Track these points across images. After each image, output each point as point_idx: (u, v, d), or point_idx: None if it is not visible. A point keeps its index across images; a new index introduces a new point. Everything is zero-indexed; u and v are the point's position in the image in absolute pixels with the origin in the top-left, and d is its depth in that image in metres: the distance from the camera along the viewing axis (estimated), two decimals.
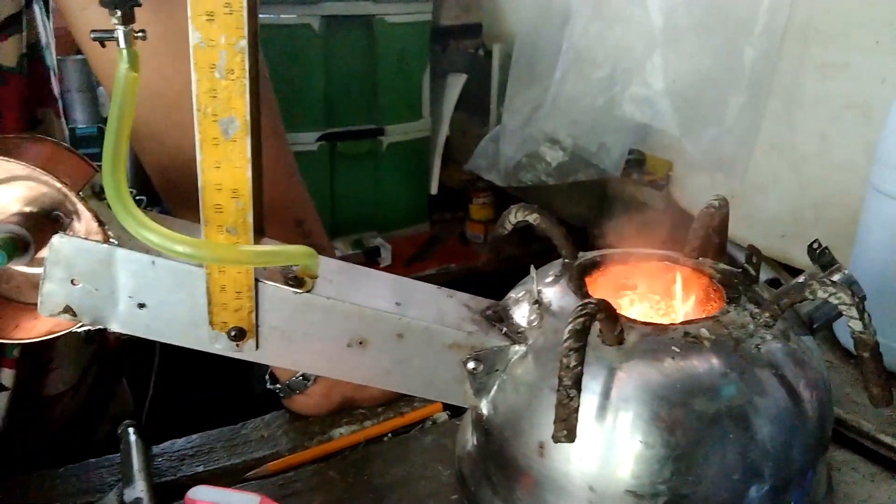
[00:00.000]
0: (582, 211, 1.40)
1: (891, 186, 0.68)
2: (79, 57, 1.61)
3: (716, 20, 0.88)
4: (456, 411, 0.66)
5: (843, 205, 0.86)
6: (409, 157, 1.77)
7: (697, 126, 0.92)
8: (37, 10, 0.61)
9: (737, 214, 0.96)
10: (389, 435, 0.64)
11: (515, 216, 0.57)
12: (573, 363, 0.41)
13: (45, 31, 0.62)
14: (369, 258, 1.68)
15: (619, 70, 0.98)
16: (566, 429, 0.41)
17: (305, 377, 0.64)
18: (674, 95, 0.90)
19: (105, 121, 1.39)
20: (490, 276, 1.80)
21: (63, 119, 0.66)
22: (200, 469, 0.60)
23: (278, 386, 0.66)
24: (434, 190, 1.85)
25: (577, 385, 0.41)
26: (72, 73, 1.64)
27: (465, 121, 1.83)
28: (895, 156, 0.68)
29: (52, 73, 0.64)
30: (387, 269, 1.68)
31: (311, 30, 1.51)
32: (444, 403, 0.67)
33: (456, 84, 1.80)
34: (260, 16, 1.41)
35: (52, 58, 0.64)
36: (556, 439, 0.42)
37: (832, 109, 0.85)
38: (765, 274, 0.91)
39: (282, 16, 1.49)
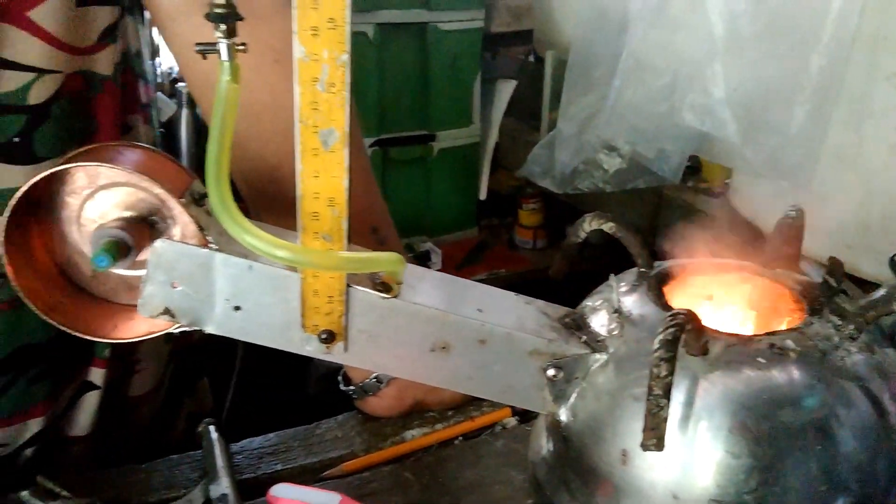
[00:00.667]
0: (635, 218, 1.39)
1: None
2: None
3: (781, 28, 0.88)
4: (525, 416, 0.67)
5: None
6: (458, 162, 1.78)
7: (760, 135, 0.91)
8: (129, 19, 0.63)
9: None
10: (460, 438, 0.65)
11: (590, 224, 0.58)
12: (664, 373, 0.41)
13: (138, 40, 0.65)
14: (420, 262, 1.70)
15: (680, 77, 0.98)
16: (656, 437, 0.42)
17: (379, 379, 0.66)
18: (735, 104, 0.90)
19: (164, 126, 1.43)
20: (538, 283, 1.80)
21: (151, 124, 0.69)
22: (279, 467, 0.62)
23: (352, 388, 0.67)
24: (483, 195, 1.86)
25: (668, 395, 0.42)
26: None
27: (514, 127, 1.83)
28: None
29: (141, 81, 0.66)
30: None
31: (365, 38, 1.53)
32: (512, 409, 0.67)
33: (506, 90, 1.81)
34: None
35: (142, 66, 0.67)
36: (644, 448, 0.42)
37: None
38: None
39: None
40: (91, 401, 0.66)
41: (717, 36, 0.95)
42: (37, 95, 0.54)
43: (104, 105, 0.59)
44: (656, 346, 0.42)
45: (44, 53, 0.54)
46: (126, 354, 0.68)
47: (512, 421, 0.67)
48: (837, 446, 0.45)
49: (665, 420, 0.42)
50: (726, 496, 0.45)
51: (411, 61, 1.63)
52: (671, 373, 0.42)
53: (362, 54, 1.55)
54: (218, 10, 0.41)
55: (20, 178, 0.54)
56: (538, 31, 1.71)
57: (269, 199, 0.62)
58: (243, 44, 0.43)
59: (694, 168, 1.31)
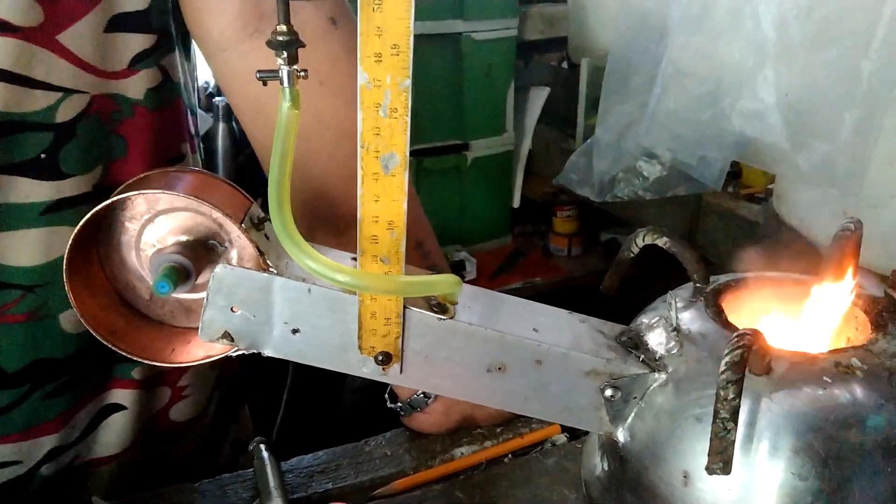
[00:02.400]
0: (675, 225, 1.38)
1: None
2: None
3: (831, 34, 0.86)
4: (574, 433, 0.66)
5: None
6: (492, 171, 1.78)
7: (810, 140, 0.89)
8: (178, 52, 0.64)
9: None
10: (510, 456, 0.65)
11: (643, 239, 0.57)
12: (731, 395, 0.41)
13: (184, 72, 0.66)
14: (454, 272, 1.69)
15: (725, 84, 0.96)
16: (723, 461, 0.41)
17: (426, 395, 0.65)
18: (785, 109, 0.88)
19: (202, 139, 1.44)
20: (574, 290, 1.79)
21: (198, 154, 0.70)
22: (329, 486, 0.62)
23: (399, 404, 0.67)
24: (517, 203, 1.86)
25: (735, 417, 0.41)
26: None
27: (547, 134, 1.82)
28: None
29: (189, 112, 0.67)
30: (471, 282, 1.68)
31: None
32: (562, 426, 0.67)
33: (539, 97, 1.81)
34: None
35: (191, 98, 0.68)
36: (710, 471, 0.42)
37: None
38: (880, 293, 0.87)
39: None
40: (119, 421, 0.66)
41: (767, 41, 0.94)
42: (64, 114, 0.56)
43: (134, 128, 0.60)
44: (723, 367, 0.41)
45: (71, 74, 0.55)
46: (172, 380, 0.69)
47: (562, 438, 0.66)
48: None
49: (732, 443, 0.41)
50: None
51: (445, 71, 1.64)
52: (738, 395, 0.41)
53: None
54: (280, 38, 0.41)
55: (46, 193, 0.56)
56: (572, 39, 1.71)
57: (313, 218, 0.62)
58: (304, 70, 0.43)
59: (734, 173, 1.30)
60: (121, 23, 0.57)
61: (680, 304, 0.54)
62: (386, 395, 0.69)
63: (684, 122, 1.05)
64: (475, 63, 1.64)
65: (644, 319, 0.55)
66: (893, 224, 0.88)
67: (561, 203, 1.76)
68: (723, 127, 0.99)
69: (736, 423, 0.41)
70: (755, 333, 0.43)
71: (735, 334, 0.42)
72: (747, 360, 0.42)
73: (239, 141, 1.85)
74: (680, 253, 0.56)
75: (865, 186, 0.89)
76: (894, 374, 0.46)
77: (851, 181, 0.88)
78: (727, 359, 0.41)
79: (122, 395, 0.65)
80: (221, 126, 1.73)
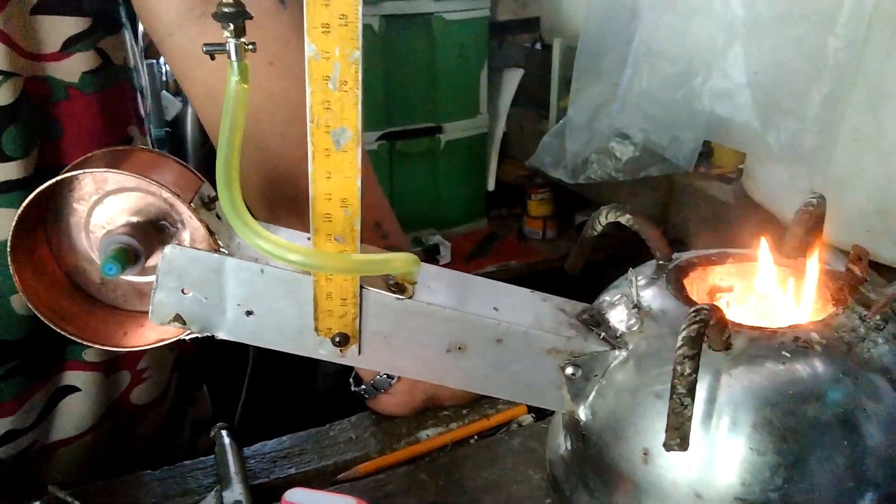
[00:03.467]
0: (647, 206, 1.37)
1: None
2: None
3: (798, 10, 0.86)
4: (540, 413, 0.66)
5: None
6: (466, 153, 1.77)
7: (779, 118, 0.89)
8: (127, 35, 0.63)
9: None
10: (476, 437, 0.64)
11: (606, 217, 0.57)
12: (688, 371, 0.40)
13: (133, 54, 0.65)
14: (429, 256, 1.69)
15: (696, 63, 0.96)
16: (679, 437, 0.41)
17: (389, 376, 0.65)
18: (755, 88, 0.88)
19: (170, 124, 1.43)
20: (549, 273, 1.79)
21: (148, 136, 0.68)
22: (293, 471, 0.61)
23: (363, 387, 0.66)
24: (491, 186, 1.85)
25: (692, 393, 0.41)
26: None
27: (521, 116, 1.81)
28: None
29: (139, 94, 0.66)
30: (446, 266, 1.68)
31: (371, 30, 1.52)
32: (528, 405, 0.66)
33: (513, 79, 1.79)
34: None
35: (139, 80, 0.66)
36: (668, 447, 0.41)
37: None
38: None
39: None
40: (75, 404, 0.65)
41: (737, 20, 0.94)
42: (4, 97, 0.55)
43: (70, 111, 0.59)
44: (679, 342, 0.41)
45: (6, 57, 0.55)
46: (131, 363, 0.68)
47: (528, 418, 0.66)
48: (865, 440, 0.44)
49: (689, 419, 0.41)
50: (751, 494, 0.44)
51: (417, 53, 1.62)
52: (695, 370, 0.41)
53: (367, 47, 1.53)
54: (226, 10, 0.40)
55: None
56: (545, 19, 1.69)
57: (275, 198, 0.61)
58: (252, 43, 0.42)
59: (706, 154, 1.30)
60: (48, 5, 0.57)
61: (642, 282, 0.54)
62: (350, 379, 0.68)
63: (656, 103, 1.05)
64: (447, 44, 1.62)
65: (606, 297, 0.55)
66: (861, 200, 0.88)
67: (535, 186, 1.75)
68: (694, 107, 0.99)
69: (693, 399, 0.41)
70: (713, 308, 0.43)
71: (692, 309, 0.42)
72: (704, 335, 0.41)
73: None
74: (642, 230, 0.56)
75: (832, 164, 0.89)
76: (853, 347, 0.46)
77: (819, 158, 0.88)
78: (684, 334, 0.41)
79: (76, 377, 0.64)
80: (190, 111, 1.70)
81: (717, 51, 0.90)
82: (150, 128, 0.69)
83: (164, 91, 1.72)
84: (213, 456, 0.61)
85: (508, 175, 1.87)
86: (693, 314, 0.42)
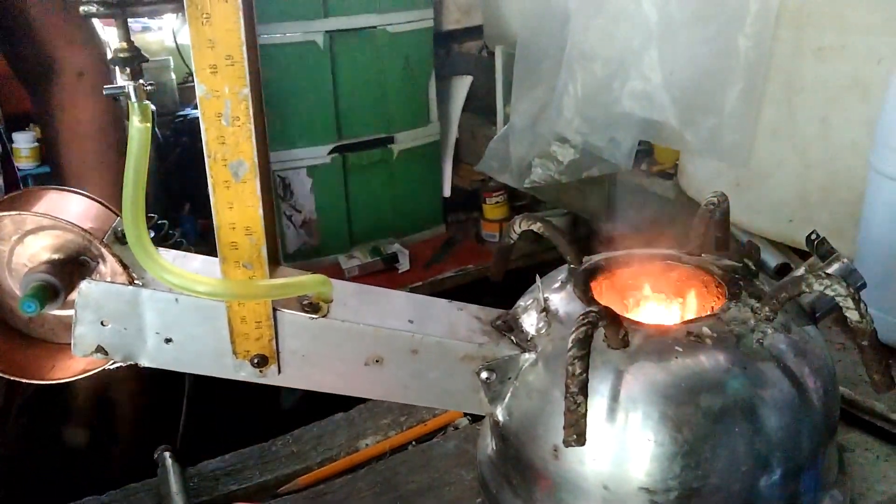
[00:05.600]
0: (593, 205, 1.41)
1: (890, 167, 0.69)
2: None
3: (708, 11, 0.89)
4: (476, 416, 0.68)
5: (848, 186, 0.87)
6: (420, 162, 1.79)
7: (697, 116, 0.93)
8: None
9: (743, 201, 0.97)
10: (413, 443, 0.67)
11: (520, 226, 0.59)
12: (578, 370, 0.43)
13: None
14: (388, 264, 1.71)
15: (620, 66, 0.99)
16: (576, 433, 0.43)
17: None
18: (672, 88, 0.92)
19: None
20: (508, 275, 1.82)
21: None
22: (235, 487, 0.63)
23: None
24: (447, 192, 1.88)
25: (584, 391, 0.43)
26: None
27: (473, 122, 1.84)
28: (893, 137, 0.69)
29: None
30: (405, 274, 1.70)
31: (316, 46, 1.54)
32: None
33: (461, 86, 1.82)
34: (264, 36, 1.45)
35: None
36: (566, 444, 0.44)
37: (831, 92, 0.86)
38: (775, 259, 0.92)
39: (287, 34, 1.52)
40: None
41: (651, 22, 0.97)
42: None
43: None
44: (570, 344, 0.43)
45: None
46: None
47: (464, 421, 0.68)
48: (758, 426, 0.47)
49: (584, 416, 0.43)
50: (654, 484, 0.47)
51: (364, 66, 1.64)
52: (585, 370, 0.43)
53: (314, 62, 1.56)
54: (122, 55, 0.42)
55: None
56: (487, 27, 1.73)
57: None
58: (151, 83, 0.44)
59: (646, 152, 1.33)
60: None
61: (556, 286, 0.57)
62: None
63: (591, 105, 1.08)
64: (394, 56, 1.65)
65: (521, 302, 0.57)
66: (781, 192, 0.92)
67: (490, 189, 1.78)
68: (619, 108, 1.02)
69: (586, 397, 0.43)
70: (604, 309, 0.46)
71: (581, 312, 0.45)
72: (592, 336, 0.44)
73: (163, 147, 1.83)
74: (553, 236, 0.58)
75: (754, 157, 0.93)
76: (742, 339, 0.49)
77: (738, 153, 0.92)
78: (573, 336, 0.43)
79: None
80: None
81: (634, 53, 0.93)
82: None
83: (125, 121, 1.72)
84: (156, 477, 0.63)
85: (464, 180, 1.90)
86: (582, 317, 0.44)
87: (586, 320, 0.44)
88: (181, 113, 1.88)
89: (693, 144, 0.93)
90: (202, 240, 1.60)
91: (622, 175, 1.33)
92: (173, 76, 1.90)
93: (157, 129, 1.82)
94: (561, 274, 0.58)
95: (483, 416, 0.65)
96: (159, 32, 2.05)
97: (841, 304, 0.47)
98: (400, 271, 1.70)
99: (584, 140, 1.19)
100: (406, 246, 1.76)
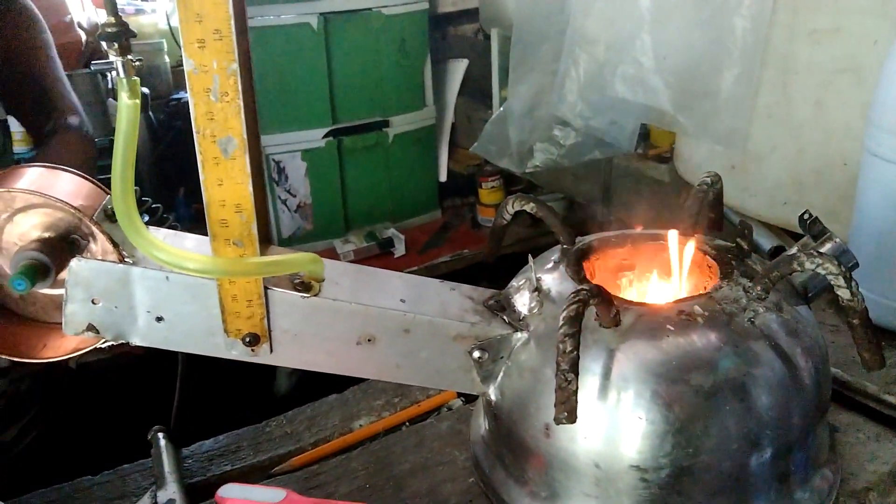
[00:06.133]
0: (590, 188, 1.41)
1: (885, 149, 0.69)
2: (86, 71, 1.64)
3: None
4: (469, 397, 0.68)
5: (843, 169, 0.86)
6: (416, 146, 1.79)
7: (692, 100, 0.92)
8: None
9: (738, 184, 0.97)
10: (407, 423, 0.67)
11: (513, 206, 0.59)
12: (569, 348, 0.43)
13: None
14: (383, 249, 1.71)
15: (620, 49, 0.99)
16: (566, 411, 0.43)
17: None
18: (665, 72, 0.91)
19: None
20: (503, 259, 1.82)
21: None
22: (229, 468, 0.63)
23: None
24: (443, 177, 1.87)
25: (575, 369, 0.43)
26: (81, 87, 1.67)
27: (468, 106, 1.84)
28: (887, 119, 0.68)
29: None
30: (401, 258, 1.70)
31: (310, 28, 1.53)
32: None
33: (457, 70, 1.81)
34: (258, 18, 1.45)
35: None
36: (557, 421, 0.44)
37: (826, 75, 0.86)
38: (769, 242, 0.92)
39: (281, 16, 1.51)
40: None
41: (643, 6, 0.97)
42: None
43: None
44: (560, 322, 0.43)
45: None
46: None
47: (458, 402, 0.68)
48: (749, 404, 0.47)
49: (574, 393, 0.43)
50: (645, 462, 0.47)
51: (359, 48, 1.63)
52: (576, 348, 0.43)
53: (308, 45, 1.55)
54: (110, 30, 0.42)
55: None
56: (483, 9, 1.71)
57: None
58: (139, 59, 0.43)
59: (643, 135, 1.33)
60: None
61: (548, 266, 0.57)
62: None
63: (593, 88, 1.08)
64: (389, 38, 1.64)
65: (514, 283, 0.57)
66: (776, 175, 0.92)
67: (486, 174, 1.78)
68: (611, 92, 1.01)
69: (577, 374, 0.43)
70: (595, 288, 0.46)
71: (572, 291, 0.45)
72: (583, 314, 0.44)
73: (157, 131, 1.82)
74: (546, 216, 0.58)
75: (749, 140, 0.93)
76: (733, 317, 0.49)
77: (735, 137, 0.92)
78: (564, 314, 0.43)
79: None
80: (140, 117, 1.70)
81: (626, 37, 0.93)
82: None
83: (109, 99, 1.72)
84: (150, 458, 0.63)
85: (460, 165, 1.90)
86: (573, 295, 0.44)
87: (577, 298, 0.44)
88: (175, 96, 1.88)
89: (689, 128, 0.93)
90: (197, 224, 1.59)
91: (619, 159, 1.33)
92: (167, 59, 1.89)
93: (150, 112, 1.81)
94: (553, 254, 0.58)
95: (476, 398, 0.66)
96: (153, 15, 2.04)
97: (833, 282, 0.47)
98: (395, 256, 1.70)
99: (587, 123, 1.19)
100: (402, 230, 1.76)
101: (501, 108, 1.37)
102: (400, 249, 1.70)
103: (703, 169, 1.04)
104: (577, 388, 0.43)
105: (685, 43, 0.88)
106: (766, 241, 0.92)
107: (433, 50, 1.76)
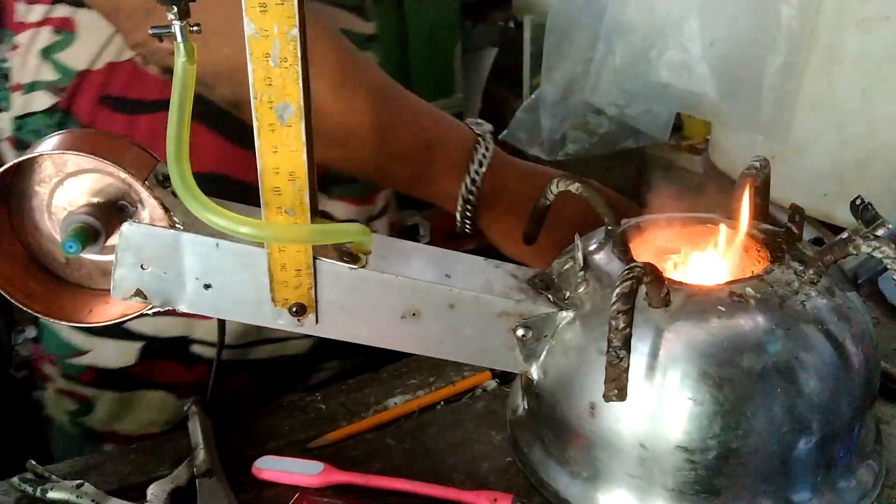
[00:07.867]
0: (620, 179, 1.39)
1: None
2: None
3: None
4: (504, 379, 0.68)
5: (886, 161, 0.85)
6: None
7: (736, 88, 0.91)
8: None
9: (778, 175, 0.95)
10: (442, 403, 0.67)
11: (557, 186, 0.59)
12: (622, 325, 0.42)
13: None
14: (408, 236, 1.70)
15: (657, 36, 0.98)
16: (617, 388, 0.43)
17: None
18: (711, 59, 0.90)
19: None
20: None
21: None
22: (264, 442, 0.63)
23: None
24: None
25: (627, 346, 0.43)
26: None
27: (497, 94, 1.82)
28: None
29: None
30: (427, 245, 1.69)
31: None
32: (492, 372, 0.69)
33: (487, 58, 1.80)
34: None
35: None
36: (606, 398, 0.44)
37: (873, 64, 0.84)
38: (808, 234, 0.90)
39: None
40: None
41: None
42: None
43: None
44: (614, 299, 0.43)
45: None
46: None
47: (492, 384, 0.68)
48: (799, 388, 0.47)
49: (626, 371, 0.43)
50: (691, 442, 0.46)
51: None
52: (629, 325, 0.43)
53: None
54: None
55: None
56: None
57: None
58: (197, 25, 0.43)
59: (676, 126, 1.31)
60: None
61: (593, 247, 0.56)
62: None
63: (629, 76, 1.06)
64: (419, 24, 1.63)
65: (558, 262, 0.57)
66: (818, 165, 0.90)
67: None
68: (656, 79, 1.00)
69: (628, 352, 0.43)
70: (647, 266, 0.45)
71: (626, 267, 0.44)
72: (636, 291, 0.43)
73: None
74: (591, 198, 0.58)
75: (791, 130, 0.91)
76: (786, 300, 0.48)
77: (777, 126, 0.90)
78: (617, 290, 0.43)
79: None
80: None
81: (673, 23, 0.91)
82: None
83: None
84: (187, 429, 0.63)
85: None
86: (626, 272, 0.44)
87: (631, 275, 0.43)
88: None
89: (731, 118, 0.91)
90: None
91: (651, 149, 1.32)
92: None
93: None
94: (598, 235, 0.57)
95: (512, 378, 0.65)
96: None
97: (889, 266, 0.46)
98: (421, 243, 1.69)
99: (621, 112, 1.18)
100: (428, 218, 1.75)
101: (533, 96, 1.36)
102: (425, 237, 1.70)
103: (741, 159, 1.03)
104: (628, 365, 0.43)
105: (732, 29, 0.87)
106: (805, 233, 0.90)
107: (463, 38, 1.75)
